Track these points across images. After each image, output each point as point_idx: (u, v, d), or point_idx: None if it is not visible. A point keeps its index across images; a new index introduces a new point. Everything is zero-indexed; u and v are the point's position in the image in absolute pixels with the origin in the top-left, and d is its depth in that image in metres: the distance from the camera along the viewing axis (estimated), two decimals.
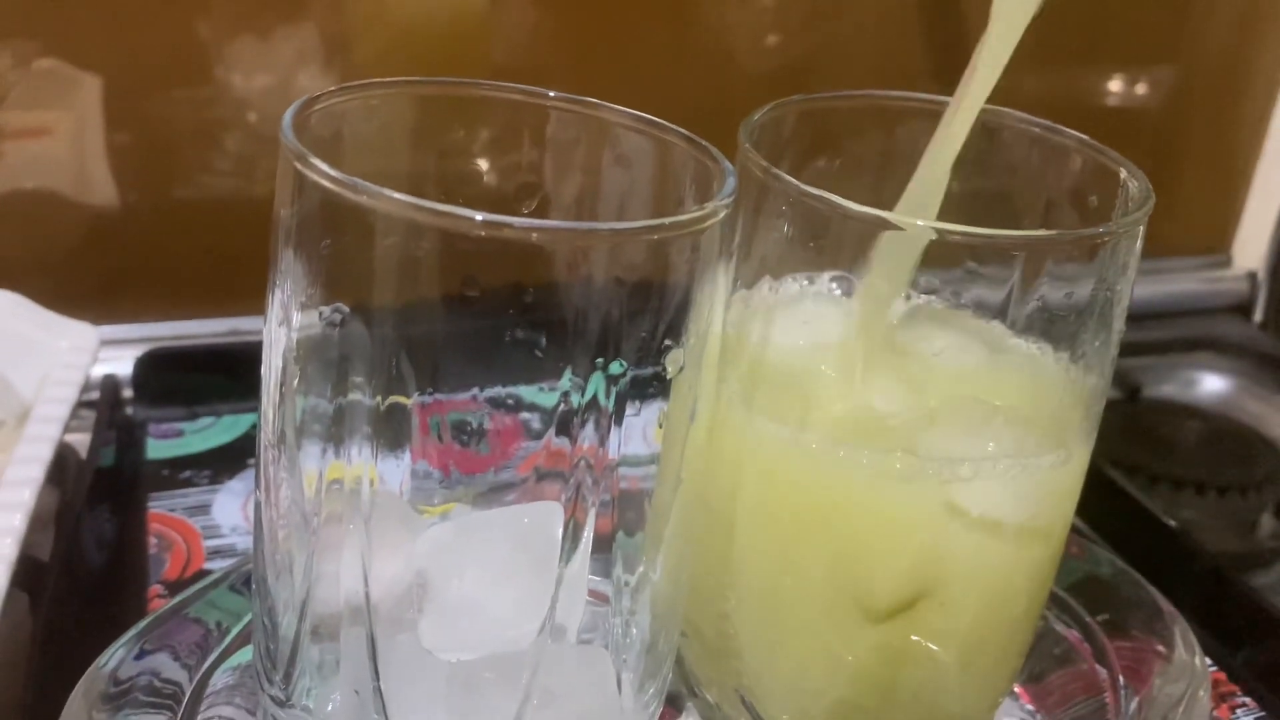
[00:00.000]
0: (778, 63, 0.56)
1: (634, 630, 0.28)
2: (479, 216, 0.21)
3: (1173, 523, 0.45)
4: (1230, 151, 0.66)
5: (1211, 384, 0.60)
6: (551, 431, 0.25)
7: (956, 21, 0.57)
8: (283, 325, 0.25)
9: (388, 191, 0.22)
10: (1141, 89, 0.64)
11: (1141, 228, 0.26)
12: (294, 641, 0.27)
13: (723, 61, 0.55)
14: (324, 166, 0.22)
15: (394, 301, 0.24)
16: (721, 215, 0.23)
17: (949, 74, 0.59)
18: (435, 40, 0.52)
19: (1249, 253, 0.66)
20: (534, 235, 0.22)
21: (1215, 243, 0.67)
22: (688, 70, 0.55)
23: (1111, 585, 0.37)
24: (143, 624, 0.31)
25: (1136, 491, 0.47)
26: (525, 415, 0.26)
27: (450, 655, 0.26)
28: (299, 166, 0.23)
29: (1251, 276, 0.65)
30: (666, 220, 0.22)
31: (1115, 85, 0.63)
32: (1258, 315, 0.64)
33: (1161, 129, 0.64)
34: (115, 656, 0.30)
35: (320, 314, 0.24)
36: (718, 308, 0.25)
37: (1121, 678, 0.33)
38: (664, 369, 0.24)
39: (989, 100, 0.28)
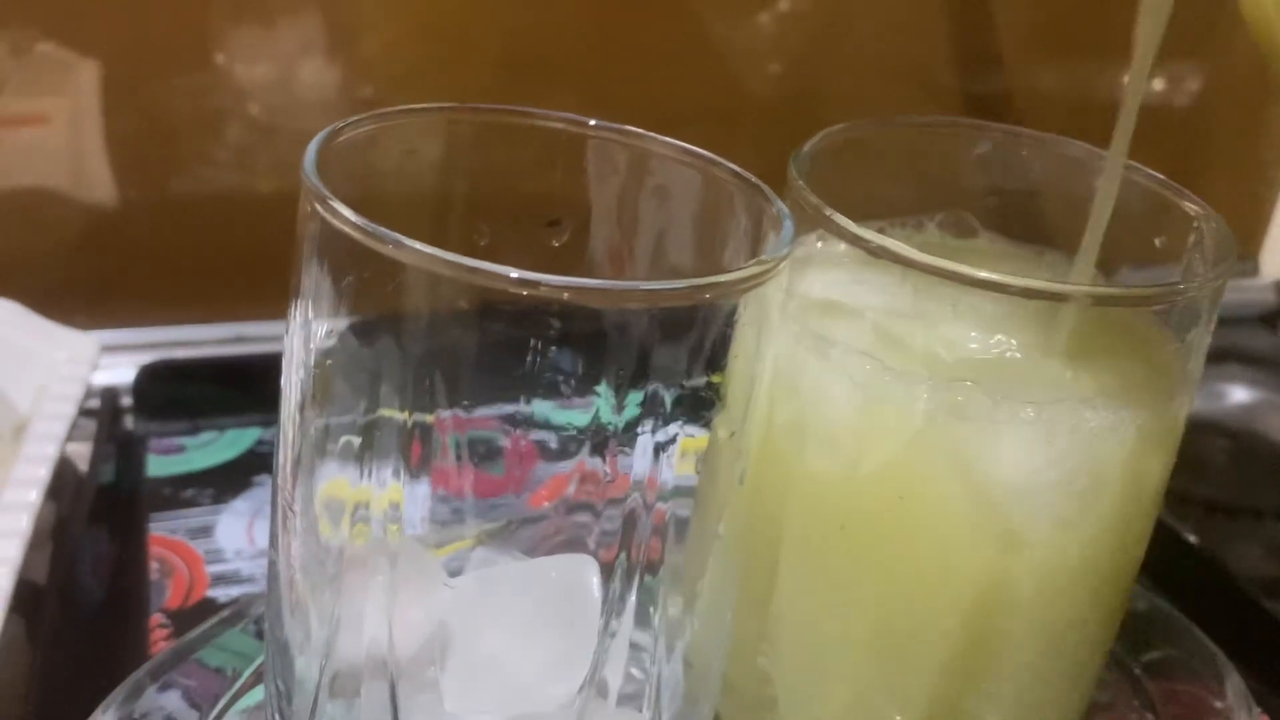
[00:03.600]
0: (788, 74, 0.54)
1: (670, 687, 0.26)
2: (513, 274, 0.20)
3: (1207, 549, 0.44)
4: (1259, 156, 0.64)
5: (1239, 397, 0.58)
6: (599, 461, 0.23)
7: (985, 27, 0.55)
8: (304, 341, 0.24)
9: (414, 243, 0.20)
10: (1167, 90, 0.62)
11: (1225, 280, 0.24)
12: (313, 700, 0.25)
13: (737, 65, 0.54)
14: (347, 213, 0.21)
15: (422, 326, 0.23)
16: (781, 270, 0.21)
17: (974, 81, 0.57)
18: (445, 32, 0.50)
19: (1277, 261, 0.64)
20: (565, 295, 0.20)
21: (1242, 250, 0.65)
22: (704, 59, 0.53)
23: (1151, 623, 0.36)
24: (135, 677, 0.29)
25: (1168, 515, 0.46)
26: (561, 441, 0.24)
27: (476, 717, 0.25)
28: (321, 210, 0.21)
29: (1279, 286, 0.63)
30: (717, 280, 0.21)
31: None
32: None
33: (1188, 132, 0.63)
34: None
35: (345, 331, 0.23)
36: (768, 362, 0.23)
37: None
38: (713, 430, 0.22)
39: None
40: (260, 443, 0.44)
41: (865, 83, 0.55)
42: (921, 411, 0.25)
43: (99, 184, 0.49)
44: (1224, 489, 0.49)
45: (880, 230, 0.30)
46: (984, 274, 0.24)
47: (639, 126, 0.25)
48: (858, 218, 0.25)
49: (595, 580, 0.25)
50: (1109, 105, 0.28)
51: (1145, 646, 0.35)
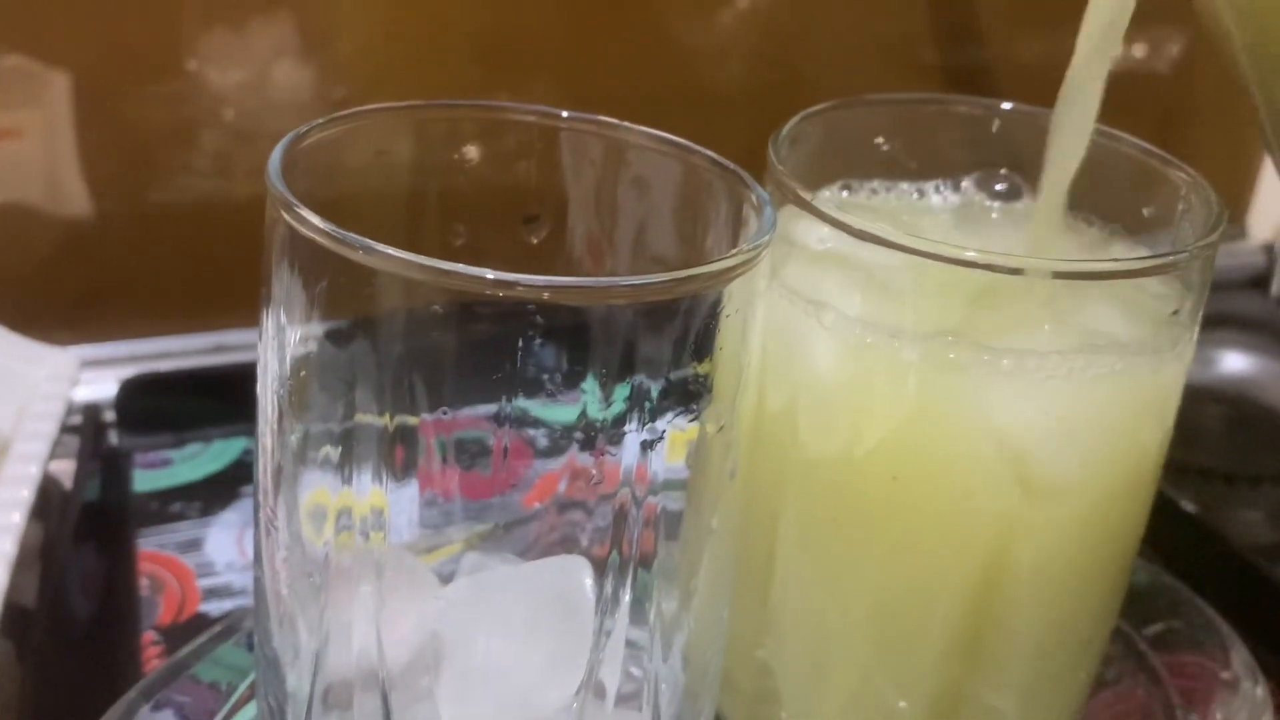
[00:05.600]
0: (769, 57, 0.54)
1: (668, 686, 0.26)
2: (489, 275, 0.19)
3: (1206, 518, 0.43)
4: (1244, 119, 0.64)
5: (1231, 363, 0.58)
6: (588, 457, 0.23)
7: (963, 1, 0.55)
8: (278, 349, 0.23)
9: (384, 248, 0.20)
10: (1150, 54, 0.61)
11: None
12: (305, 715, 0.25)
13: (717, 51, 0.53)
14: (315, 219, 0.20)
15: (399, 328, 0.22)
16: (761, 260, 0.21)
17: (954, 56, 0.57)
18: (420, 30, 0.49)
19: (1264, 224, 0.64)
20: (545, 294, 0.19)
21: (1229, 214, 0.65)
22: (683, 46, 0.52)
23: (1154, 596, 0.35)
24: (128, 697, 0.29)
25: (1165, 485, 0.45)
26: (549, 438, 0.24)
27: None
28: (288, 217, 0.21)
29: (1268, 249, 0.63)
30: (698, 272, 0.20)
31: (1122, 50, 0.61)
32: (1275, 289, 0.62)
33: (1172, 95, 0.62)
34: None
35: (320, 337, 0.23)
36: (755, 350, 0.23)
37: (1179, 702, 0.31)
38: (701, 425, 0.22)
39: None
40: (247, 452, 0.44)
41: (848, 62, 0.54)
42: (912, 373, 0.25)
43: (75, 196, 0.48)
44: (1220, 456, 0.49)
45: (919, 192, 0.29)
46: (970, 254, 0.23)
47: (620, 117, 0.25)
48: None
49: (589, 581, 0.24)
50: None
51: (1149, 620, 0.34)
